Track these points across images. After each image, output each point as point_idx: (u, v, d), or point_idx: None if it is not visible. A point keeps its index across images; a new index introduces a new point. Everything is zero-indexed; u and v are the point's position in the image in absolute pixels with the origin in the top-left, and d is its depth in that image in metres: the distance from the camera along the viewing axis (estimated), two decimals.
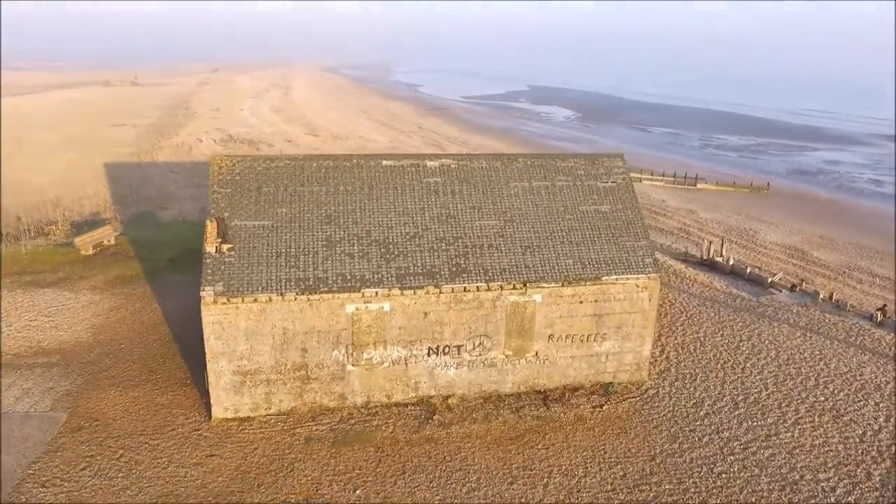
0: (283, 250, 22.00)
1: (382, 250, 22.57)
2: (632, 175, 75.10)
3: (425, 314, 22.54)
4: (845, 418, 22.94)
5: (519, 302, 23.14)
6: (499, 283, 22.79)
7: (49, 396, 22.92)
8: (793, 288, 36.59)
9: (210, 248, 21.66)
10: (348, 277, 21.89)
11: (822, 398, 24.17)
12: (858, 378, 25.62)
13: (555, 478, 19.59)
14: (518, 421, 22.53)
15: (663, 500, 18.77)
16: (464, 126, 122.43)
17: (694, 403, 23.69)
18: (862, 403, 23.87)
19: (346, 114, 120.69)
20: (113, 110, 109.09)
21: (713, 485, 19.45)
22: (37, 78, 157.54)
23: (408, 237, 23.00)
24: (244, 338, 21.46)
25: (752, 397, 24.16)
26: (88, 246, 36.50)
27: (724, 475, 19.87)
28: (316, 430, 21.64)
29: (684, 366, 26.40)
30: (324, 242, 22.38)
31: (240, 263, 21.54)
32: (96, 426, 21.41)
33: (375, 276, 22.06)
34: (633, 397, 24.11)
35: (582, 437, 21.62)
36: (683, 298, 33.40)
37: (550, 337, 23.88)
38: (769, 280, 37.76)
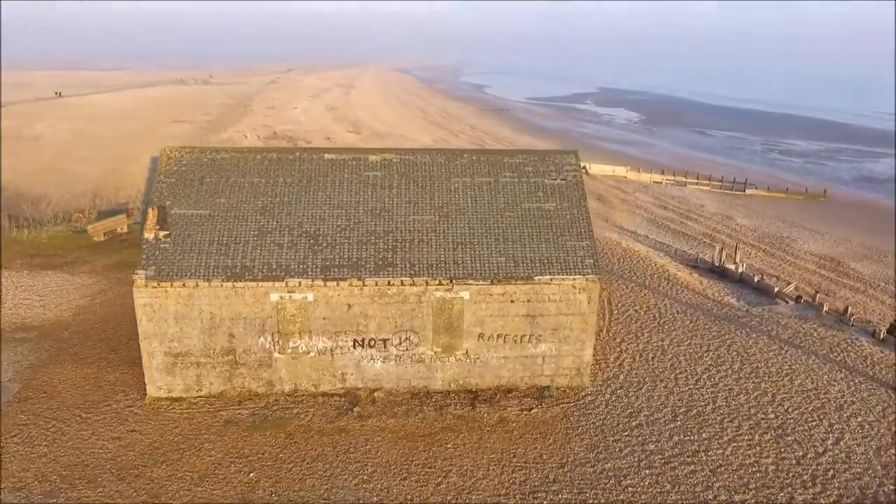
0: (216, 238, 22.78)
1: (311, 242, 22.95)
2: (675, 180, 74.28)
3: (349, 306, 22.73)
4: (789, 438, 21.29)
5: (446, 298, 22.92)
6: (424, 278, 22.67)
7: (12, 368, 24.72)
8: (798, 299, 34.31)
9: (148, 234, 22.74)
10: (274, 267, 22.40)
11: (773, 416, 22.52)
12: (822, 397, 23.70)
13: (451, 478, 19.30)
14: (438, 419, 22.31)
15: None
16: (518, 127, 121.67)
17: (630, 413, 22.66)
18: (814, 424, 22.07)
19: (401, 114, 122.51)
20: (179, 107, 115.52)
21: (615, 498, 18.57)
22: (121, 77, 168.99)
23: (338, 230, 23.27)
24: (174, 320, 22.39)
25: (695, 410, 22.84)
26: (100, 233, 39.00)
27: (630, 489, 18.93)
28: (238, 413, 22.28)
29: (635, 374, 25.28)
30: (256, 232, 23.00)
31: (173, 250, 22.49)
32: (42, 397, 22.92)
33: (301, 266, 22.47)
34: (568, 402, 23.33)
35: (497, 440, 21.17)
36: (665, 305, 31.93)
37: (481, 336, 23.49)
38: (776, 290, 35.58)
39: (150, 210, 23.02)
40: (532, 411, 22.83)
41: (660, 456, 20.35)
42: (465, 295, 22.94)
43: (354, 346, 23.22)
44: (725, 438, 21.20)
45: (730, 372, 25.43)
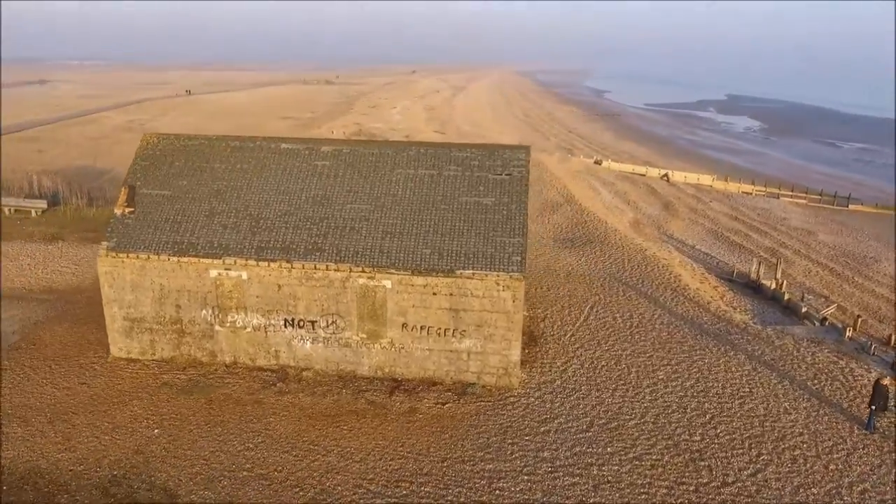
0: (171, 217, 24.84)
1: (252, 224, 24.35)
2: (768, 191, 68.59)
3: (279, 287, 23.85)
4: (702, 463, 19.43)
5: (369, 286, 23.34)
6: (349, 264, 23.26)
7: (19, 322, 28.43)
8: (823, 321, 30.89)
9: (117, 210, 25.31)
10: (215, 245, 24.04)
11: (698, 438, 20.63)
12: (767, 424, 21.29)
13: (329, 457, 19.72)
14: (350, 402, 22.79)
15: (411, 500, 18.01)
16: (623, 133, 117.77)
17: (545, 419, 21.77)
18: (740, 451, 19.93)
19: (500, 116, 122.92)
20: (292, 105, 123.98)
21: (476, 499, 18.06)
22: (252, 77, 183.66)
23: (279, 214, 24.48)
24: (130, 289, 24.72)
25: (616, 423, 21.48)
26: None
27: (498, 492, 18.31)
28: (176, 378, 24.14)
29: (575, 380, 24.16)
30: (206, 213, 24.80)
31: (135, 225, 24.85)
32: (30, 349, 26.20)
33: (238, 246, 23.93)
34: (487, 401, 22.85)
35: (394, 428, 21.26)
36: (651, 315, 29.99)
37: (404, 326, 23.63)
38: (804, 310, 32.28)
39: (122, 189, 25.61)
40: (446, 405, 22.64)
41: (549, 464, 19.44)
42: (388, 284, 23.24)
43: (286, 326, 24.32)
44: (630, 455, 19.78)
45: (677, 388, 23.55)
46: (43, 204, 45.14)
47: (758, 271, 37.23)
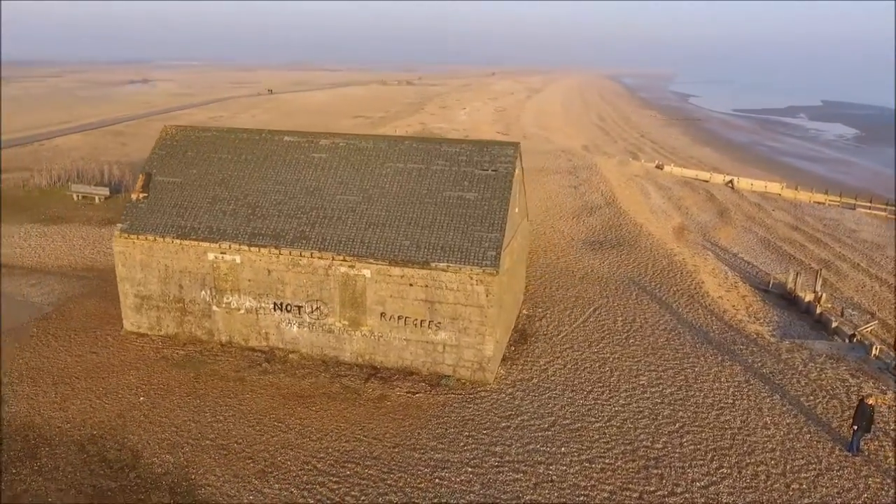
0: (179, 203, 26.52)
1: (249, 212, 25.60)
2: (842, 202, 64.24)
3: (269, 271, 24.95)
4: (655, 471, 18.79)
5: (350, 274, 24.02)
6: (331, 253, 24.03)
7: (57, 295, 31.13)
8: (851, 338, 29.00)
9: (133, 196, 27.29)
10: (214, 230, 25.47)
11: (659, 445, 19.93)
12: (739, 437, 20.24)
13: (288, 434, 20.54)
14: (327, 385, 23.55)
15: (352, 480, 18.48)
16: (699, 138, 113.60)
17: (509, 415, 21.68)
18: (700, 462, 19.10)
19: (572, 119, 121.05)
20: (366, 105, 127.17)
21: (415, 485, 18.29)
22: (334, 77, 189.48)
23: (274, 203, 25.60)
24: (140, 268, 26.59)
25: (579, 424, 21.09)
26: None
27: (438, 480, 18.45)
28: (174, 353, 25.76)
29: (553, 380, 23.86)
30: (209, 200, 26.29)
31: (147, 209, 26.71)
32: (58, 319, 28.66)
33: (234, 231, 25.24)
34: (458, 394, 23.00)
35: (359, 413, 21.82)
36: (655, 320, 29.04)
37: (383, 315, 24.14)
38: (833, 325, 30.45)
39: (139, 176, 27.57)
40: (416, 395, 22.98)
41: (497, 459, 19.41)
42: (367, 273, 23.84)
43: (275, 309, 25.41)
44: (582, 457, 19.42)
45: (655, 395, 22.79)
46: (105, 191, 48.90)
47: (795, 282, 35.24)
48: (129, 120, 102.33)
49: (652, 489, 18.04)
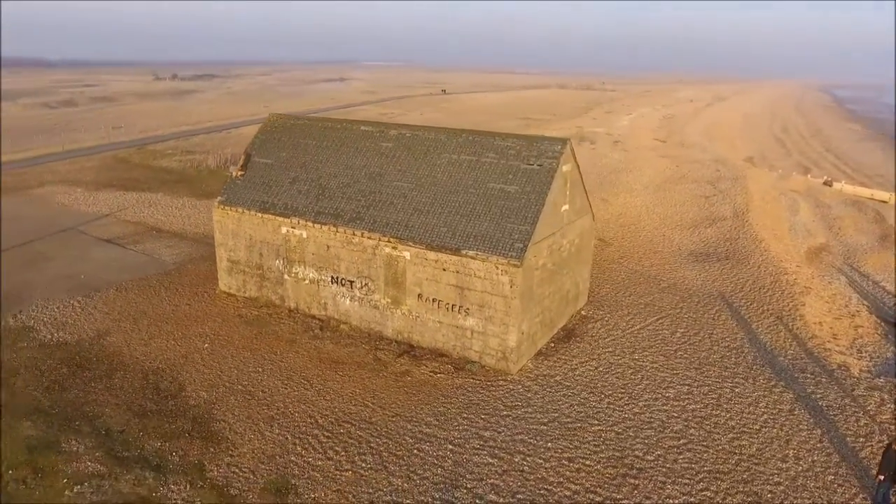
0: (266, 181, 29.96)
1: (318, 192, 28.21)
2: None
3: (328, 247, 27.32)
4: (632, 480, 17.93)
5: (392, 255, 25.55)
6: (378, 234, 25.75)
7: (183, 257, 36.53)
8: None
9: (234, 173, 31.32)
10: (288, 206, 28.47)
11: (652, 458, 18.86)
12: (745, 464, 18.43)
13: (308, 391, 22.61)
14: (362, 355, 25.34)
15: (341, 437, 20.00)
16: None
17: (514, 406, 21.81)
18: (686, 481, 17.82)
19: (749, 130, 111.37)
20: (534, 107, 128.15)
21: (394, 451, 19.36)
22: (521, 80, 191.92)
23: (340, 186, 27.94)
24: (232, 236, 30.49)
25: (578, 425, 20.64)
26: None
27: (417, 452, 19.29)
28: (249, 313, 29.24)
29: (576, 380, 23.43)
30: (290, 180, 29.37)
31: (242, 185, 30.53)
32: (175, 276, 33.73)
33: (304, 209, 28.01)
34: (477, 379, 23.56)
35: (379, 383, 23.30)
36: (719, 335, 26.93)
37: (419, 296, 25.34)
38: None
39: (242, 156, 31.54)
40: (437, 375, 23.94)
41: (481, 442, 19.79)
42: (407, 255, 25.22)
43: (332, 282, 27.78)
44: (564, 455, 19.09)
45: (675, 408, 21.43)
46: None
47: None
48: (311, 112, 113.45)
49: (619, 496, 17.38)
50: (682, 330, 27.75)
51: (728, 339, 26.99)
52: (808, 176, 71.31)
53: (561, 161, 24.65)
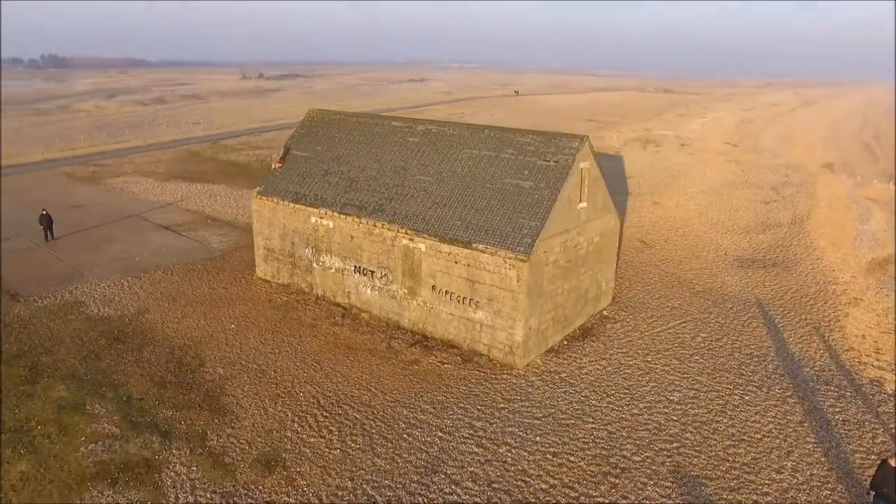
0: (301, 173, 31.24)
1: (347, 184, 29.18)
2: None
3: (352, 237, 28.23)
4: (613, 479, 17.67)
5: (409, 247, 26.12)
6: (397, 226, 26.38)
7: (230, 244, 38.52)
8: None
9: (273, 165, 32.81)
10: (318, 197, 29.60)
11: (639, 459, 18.50)
12: (734, 472, 17.76)
13: (316, 373, 23.55)
14: (377, 343, 26.07)
15: (338, 418, 20.74)
16: None
17: (512, 399, 21.92)
18: (667, 484, 17.37)
19: (833, 135, 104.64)
20: (607, 110, 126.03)
21: (384, 434, 19.90)
22: (600, 82, 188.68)
23: (367, 178, 28.79)
24: (268, 224, 31.97)
25: (571, 422, 20.51)
26: None
27: (406, 436, 19.81)
28: (279, 298, 30.60)
29: (581, 378, 23.24)
30: (322, 172, 30.51)
31: (279, 177, 31.96)
32: (219, 261, 35.66)
33: (332, 200, 29.05)
34: (482, 372, 23.79)
35: (387, 370, 23.95)
36: (743, 341, 25.92)
37: (434, 288, 25.78)
38: None
39: (282, 149, 33.02)
40: (444, 366, 24.34)
41: (470, 431, 20.05)
42: (422, 247, 25.73)
43: (355, 272, 28.67)
44: (550, 450, 19.04)
45: (677, 412, 20.87)
46: None
47: None
48: (385, 111, 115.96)
49: (595, 494, 17.22)
50: (704, 335, 26.89)
51: (752, 347, 25.94)
52: (890, 184, 66.67)
53: (577, 158, 24.48)
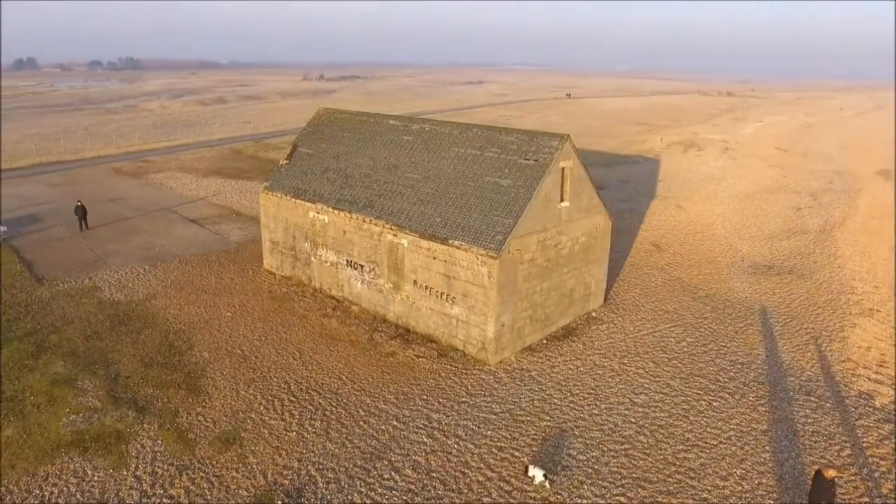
0: (305, 169, 32.33)
1: (343, 181, 30.04)
2: None
3: (344, 232, 29.05)
4: (551, 476, 17.66)
5: (393, 242, 26.70)
6: (383, 221, 27.01)
7: (248, 237, 40.11)
8: None
9: (281, 162, 34.06)
10: (316, 193, 30.59)
11: (583, 458, 18.44)
12: (677, 477, 17.45)
13: (293, 360, 24.42)
14: (359, 335, 26.77)
15: (303, 403, 21.52)
16: None
17: (476, 394, 22.16)
18: (606, 484, 17.26)
19: (879, 143, 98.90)
20: (661, 113, 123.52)
21: (341, 420, 20.53)
22: (663, 85, 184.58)
23: (362, 175, 29.56)
24: (273, 219, 33.23)
25: (528, 419, 20.58)
26: None
27: (363, 422, 20.40)
28: (279, 290, 31.76)
29: (550, 377, 23.23)
30: (323, 169, 31.50)
31: (284, 173, 33.18)
32: (233, 253, 37.27)
33: (328, 196, 29.98)
34: (454, 366, 24.12)
35: (363, 360, 24.60)
36: (729, 348, 25.20)
37: (415, 282, 26.26)
38: None
39: (290, 146, 34.24)
40: (419, 359, 24.78)
41: (425, 422, 20.43)
42: (405, 242, 26.27)
43: (347, 265, 29.49)
44: (497, 444, 19.18)
45: (636, 414, 20.59)
46: None
47: None
48: (433, 112, 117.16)
49: (529, 490, 17.29)
50: (690, 339, 26.33)
51: (739, 354, 25.23)
52: None
53: (557, 157, 24.49)
